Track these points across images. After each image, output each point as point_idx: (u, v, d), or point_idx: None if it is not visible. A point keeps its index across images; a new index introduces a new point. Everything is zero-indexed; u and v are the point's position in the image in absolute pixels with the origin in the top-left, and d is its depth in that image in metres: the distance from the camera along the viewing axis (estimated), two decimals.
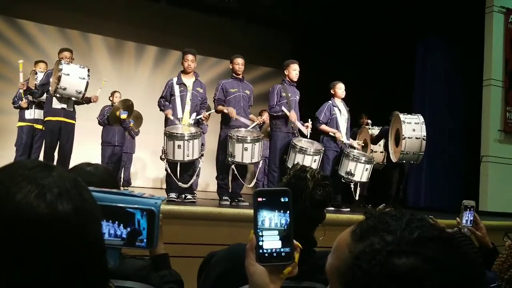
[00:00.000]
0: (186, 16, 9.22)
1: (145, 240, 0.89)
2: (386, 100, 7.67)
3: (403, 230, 0.65)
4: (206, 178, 8.04)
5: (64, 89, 5.06)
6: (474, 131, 7.38)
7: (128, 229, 0.88)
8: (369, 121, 7.56)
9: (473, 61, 7.51)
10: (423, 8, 7.74)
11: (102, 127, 7.10)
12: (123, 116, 6.82)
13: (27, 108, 6.09)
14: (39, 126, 5.96)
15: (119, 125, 6.98)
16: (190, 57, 5.17)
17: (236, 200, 5.13)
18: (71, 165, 2.20)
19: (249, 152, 4.96)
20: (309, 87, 6.25)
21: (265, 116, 5.90)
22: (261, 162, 5.34)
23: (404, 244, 0.63)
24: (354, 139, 6.61)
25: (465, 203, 2.36)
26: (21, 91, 5.96)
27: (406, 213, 0.69)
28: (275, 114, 5.44)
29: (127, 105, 6.88)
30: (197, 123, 5.25)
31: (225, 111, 5.21)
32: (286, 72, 5.53)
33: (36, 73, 5.94)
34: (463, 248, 0.66)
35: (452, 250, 0.64)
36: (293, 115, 5.34)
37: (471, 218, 2.35)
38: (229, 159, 4.95)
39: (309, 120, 5.59)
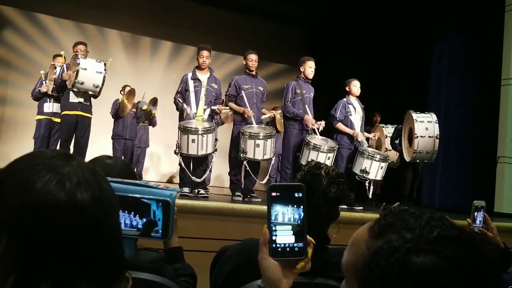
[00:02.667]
0: (201, 12, 9.24)
1: (160, 231, 0.90)
2: (401, 98, 7.60)
3: (422, 228, 0.64)
4: (219, 174, 8.06)
5: (82, 83, 5.11)
6: (490, 131, 7.27)
7: (144, 219, 0.89)
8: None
9: (491, 60, 7.39)
10: (440, 6, 7.64)
11: (113, 120, 7.14)
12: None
13: (46, 95, 6.15)
14: (57, 120, 6.04)
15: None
16: (205, 53, 5.19)
17: (249, 196, 5.14)
18: (86, 159, 2.22)
19: (261, 149, 4.96)
20: (323, 84, 6.22)
21: (277, 112, 5.89)
22: (273, 158, 5.34)
23: (423, 242, 0.63)
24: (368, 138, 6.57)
25: (475, 204, 2.32)
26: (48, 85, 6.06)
27: (425, 211, 0.68)
28: (288, 115, 5.44)
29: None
30: (211, 116, 5.27)
31: (241, 111, 5.23)
32: (301, 69, 5.50)
33: (55, 67, 6.00)
34: (482, 248, 0.65)
35: (471, 250, 0.63)
36: (308, 118, 5.32)
37: (481, 219, 2.29)
38: (241, 155, 4.96)
39: (322, 121, 5.56)
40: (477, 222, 2.28)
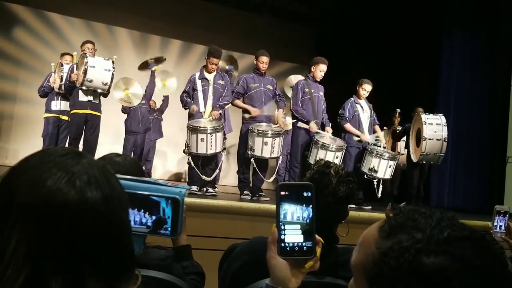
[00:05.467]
0: (210, 10, 9.24)
1: (169, 229, 0.91)
2: (410, 98, 7.55)
3: (433, 228, 0.64)
4: (227, 172, 8.07)
5: (91, 81, 5.14)
6: (500, 130, 7.21)
7: (153, 217, 0.90)
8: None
9: (502, 58, 7.32)
10: (449, 2, 7.59)
11: (125, 117, 6.99)
12: (155, 67, 6.66)
13: (53, 91, 6.16)
14: (65, 117, 6.07)
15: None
16: (215, 60, 5.19)
17: (257, 195, 5.14)
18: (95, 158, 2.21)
19: (269, 147, 4.96)
20: (332, 83, 6.19)
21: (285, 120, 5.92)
22: (281, 157, 5.34)
23: (434, 243, 0.62)
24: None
25: (497, 208, 2.23)
26: (56, 85, 6.05)
27: (436, 211, 0.68)
28: (296, 115, 5.44)
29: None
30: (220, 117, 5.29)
31: (248, 108, 5.23)
32: (312, 69, 5.48)
33: (62, 65, 6.03)
34: (493, 249, 0.64)
35: (481, 251, 0.62)
36: (313, 126, 5.32)
37: (501, 224, 2.20)
38: (249, 152, 4.97)
39: (330, 124, 5.57)
40: (497, 227, 2.20)
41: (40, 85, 6.41)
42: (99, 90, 5.31)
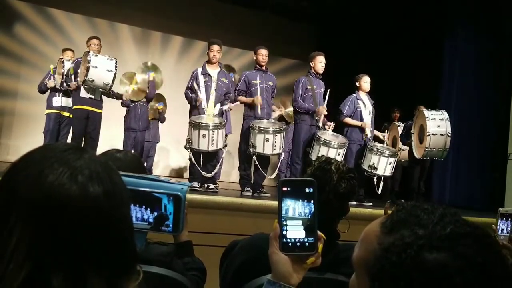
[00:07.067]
0: (212, 7, 9.23)
1: (171, 225, 0.91)
2: (412, 95, 7.53)
3: (435, 224, 0.64)
4: (227, 169, 8.07)
5: (92, 81, 5.16)
6: (502, 127, 7.19)
7: (155, 213, 0.90)
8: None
9: (504, 56, 7.30)
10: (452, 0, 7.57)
11: (124, 115, 6.96)
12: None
13: (54, 89, 6.17)
14: (66, 114, 6.08)
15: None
16: (216, 47, 5.21)
17: (258, 191, 5.15)
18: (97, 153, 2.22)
19: (270, 143, 4.96)
20: (334, 80, 6.19)
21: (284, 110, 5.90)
22: (283, 153, 5.34)
23: (436, 239, 0.62)
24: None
25: (501, 211, 2.16)
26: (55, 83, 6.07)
27: (438, 207, 0.67)
28: (299, 110, 5.44)
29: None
30: (221, 113, 5.29)
31: (250, 102, 5.23)
32: (311, 64, 5.49)
33: (63, 61, 6.03)
34: (496, 246, 0.64)
35: (483, 247, 0.62)
36: (321, 109, 5.32)
37: (503, 227, 2.13)
38: (251, 149, 4.97)
39: (332, 122, 5.57)
40: (500, 230, 2.13)
41: (40, 81, 6.43)
42: (100, 89, 5.33)
